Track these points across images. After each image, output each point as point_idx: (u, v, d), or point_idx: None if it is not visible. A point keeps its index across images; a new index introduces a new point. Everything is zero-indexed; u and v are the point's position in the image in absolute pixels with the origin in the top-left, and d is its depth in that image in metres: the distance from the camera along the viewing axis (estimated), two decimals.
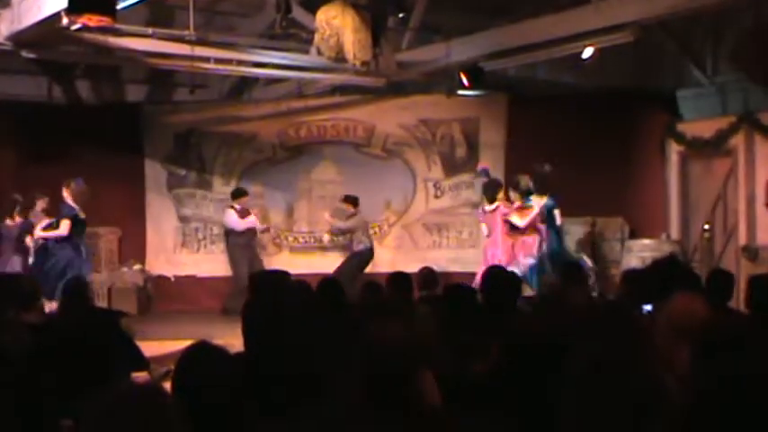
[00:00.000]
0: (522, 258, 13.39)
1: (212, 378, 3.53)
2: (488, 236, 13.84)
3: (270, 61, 14.07)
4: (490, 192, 14.01)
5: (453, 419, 3.40)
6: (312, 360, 4.76)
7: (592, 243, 15.49)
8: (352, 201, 15.46)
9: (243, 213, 15.35)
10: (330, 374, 4.04)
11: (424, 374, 4.05)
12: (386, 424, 3.32)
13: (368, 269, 14.98)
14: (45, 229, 13.12)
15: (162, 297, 16.09)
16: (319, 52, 13.41)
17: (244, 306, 5.31)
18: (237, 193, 15.55)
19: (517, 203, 13.70)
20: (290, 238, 16.58)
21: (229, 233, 15.46)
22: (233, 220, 15.30)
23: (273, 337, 4.95)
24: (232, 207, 15.41)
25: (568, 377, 2.97)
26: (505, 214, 13.62)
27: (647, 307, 5.73)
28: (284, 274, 8.89)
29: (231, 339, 5.08)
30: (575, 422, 2.89)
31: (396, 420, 3.31)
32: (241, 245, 15.30)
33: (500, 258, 13.29)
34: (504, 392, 4.30)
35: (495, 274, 6.94)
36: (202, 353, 3.73)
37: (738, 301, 12.37)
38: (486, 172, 14.61)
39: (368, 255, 15.31)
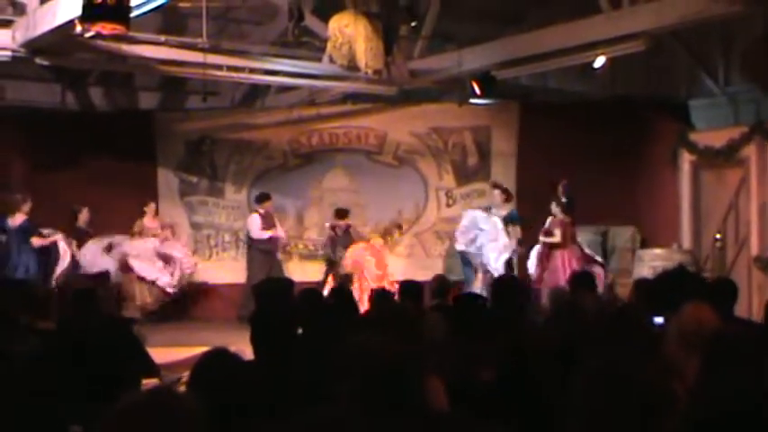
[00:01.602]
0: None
1: (228, 383, 3.55)
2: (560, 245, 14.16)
3: (282, 69, 14.12)
4: (572, 202, 14.27)
5: (460, 426, 3.40)
6: (318, 366, 4.78)
7: (603, 252, 15.48)
8: (343, 214, 15.52)
9: (267, 219, 15.34)
10: (337, 380, 4.05)
11: (431, 381, 4.06)
12: (392, 430, 3.33)
13: None
14: None
15: (174, 304, 16.07)
16: (331, 60, 13.45)
17: (251, 316, 5.34)
18: (261, 198, 15.55)
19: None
20: (300, 246, 16.57)
21: (251, 238, 15.49)
22: (254, 228, 15.32)
23: (281, 345, 4.97)
24: (256, 212, 15.45)
25: (577, 386, 2.98)
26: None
27: (659, 320, 5.71)
28: (288, 282, 8.89)
29: (243, 346, 5.10)
30: (584, 428, 2.90)
31: (402, 427, 3.32)
32: (262, 251, 15.30)
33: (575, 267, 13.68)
34: (512, 401, 4.31)
35: (505, 283, 6.95)
36: (219, 359, 3.76)
37: (751, 310, 12.42)
38: (565, 184, 14.61)
39: None
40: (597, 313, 6.02)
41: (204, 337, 11.96)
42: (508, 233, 14.55)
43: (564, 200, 14.39)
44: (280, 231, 15.52)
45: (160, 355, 7.89)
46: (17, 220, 14.14)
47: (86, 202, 15.05)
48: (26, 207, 14.21)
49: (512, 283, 7.26)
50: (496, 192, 15.03)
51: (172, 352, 9.17)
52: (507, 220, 14.63)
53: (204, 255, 16.55)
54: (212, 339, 10.73)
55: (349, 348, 3.67)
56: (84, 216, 15.16)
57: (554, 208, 14.29)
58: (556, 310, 6.34)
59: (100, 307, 8.73)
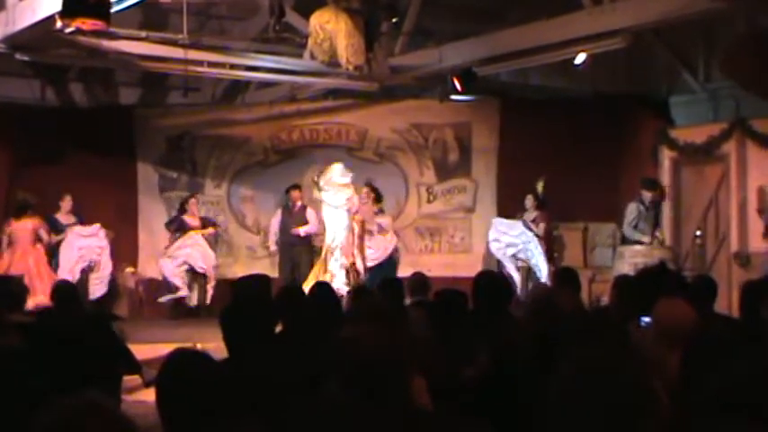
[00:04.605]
0: None
1: (194, 384, 3.50)
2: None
3: (263, 65, 14.08)
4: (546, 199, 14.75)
5: (442, 423, 3.40)
6: (299, 362, 4.76)
7: (583, 248, 15.53)
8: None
9: (297, 213, 15.34)
10: (319, 377, 4.05)
11: (414, 379, 4.05)
12: (374, 427, 3.33)
13: None
14: None
15: (154, 300, 15.99)
16: (312, 56, 13.45)
17: (222, 310, 5.27)
18: (289, 188, 15.55)
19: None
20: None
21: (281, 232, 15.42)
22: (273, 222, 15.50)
23: (256, 342, 4.92)
24: (285, 207, 15.46)
25: (557, 383, 2.98)
26: None
27: (646, 319, 5.70)
28: (265, 278, 8.83)
29: (222, 342, 5.06)
30: (563, 428, 2.90)
31: (384, 423, 3.31)
32: (285, 244, 15.30)
33: None
34: (494, 397, 4.31)
35: (487, 279, 6.94)
36: (182, 360, 3.71)
37: (731, 306, 12.46)
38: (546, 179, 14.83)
39: None
40: (574, 311, 6.03)
41: (185, 333, 11.95)
42: None
43: (541, 196, 14.56)
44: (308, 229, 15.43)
45: (142, 351, 7.88)
46: None
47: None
48: (66, 205, 14.95)
49: (493, 279, 7.25)
50: None
51: (153, 348, 9.13)
52: None
53: None
54: (193, 335, 10.73)
55: (342, 340, 3.64)
56: (193, 207, 15.47)
57: (528, 202, 14.46)
58: (533, 308, 6.33)
59: (81, 303, 8.71)
